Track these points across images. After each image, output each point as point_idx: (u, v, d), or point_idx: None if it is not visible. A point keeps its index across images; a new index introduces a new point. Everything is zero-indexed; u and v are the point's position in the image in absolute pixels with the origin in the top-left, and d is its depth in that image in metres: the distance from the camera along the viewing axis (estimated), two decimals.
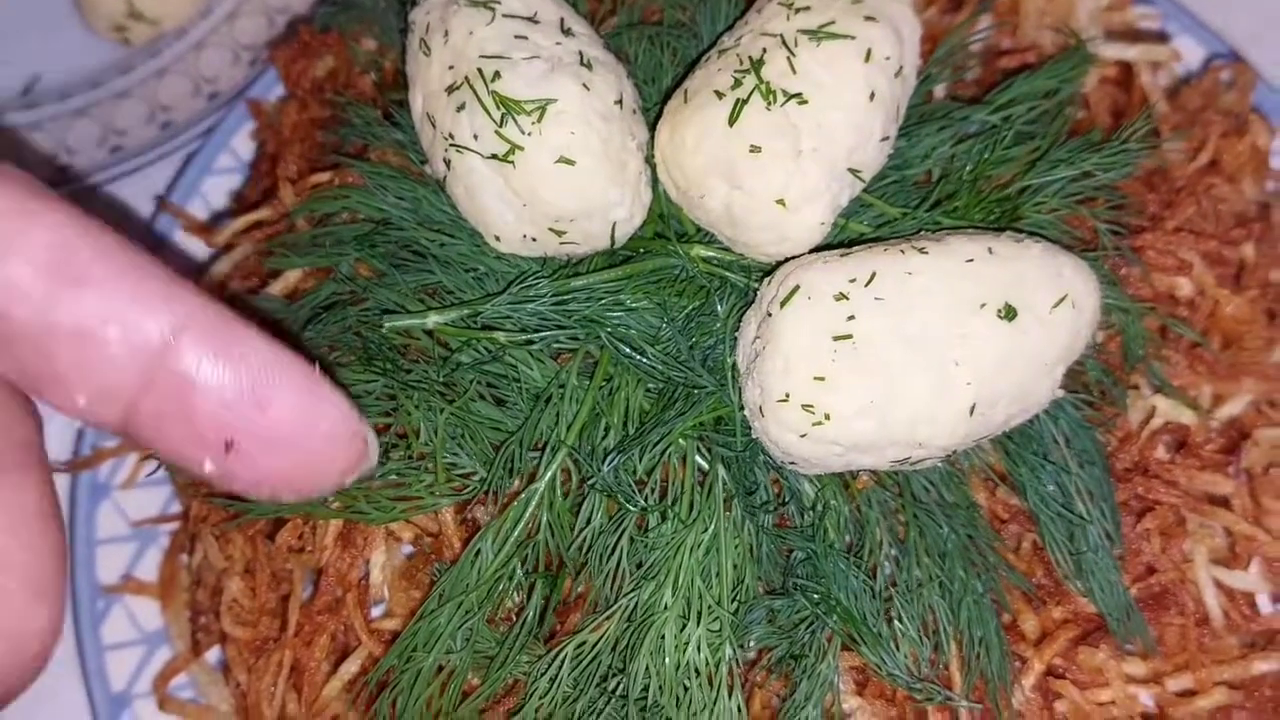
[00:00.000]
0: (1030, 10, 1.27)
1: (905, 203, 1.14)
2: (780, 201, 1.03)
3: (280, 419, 0.69)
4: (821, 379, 0.97)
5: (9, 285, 0.65)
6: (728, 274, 1.11)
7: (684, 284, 1.13)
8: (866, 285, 0.99)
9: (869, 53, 1.04)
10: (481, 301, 1.11)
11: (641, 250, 1.14)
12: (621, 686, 1.00)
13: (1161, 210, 1.18)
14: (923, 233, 1.09)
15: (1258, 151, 1.23)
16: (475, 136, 1.04)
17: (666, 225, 1.14)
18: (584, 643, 1.01)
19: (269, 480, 0.71)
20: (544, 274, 1.12)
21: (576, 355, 1.10)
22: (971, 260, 1.01)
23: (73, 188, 1.50)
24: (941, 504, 1.10)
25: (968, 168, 1.14)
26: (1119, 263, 1.16)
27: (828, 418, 0.97)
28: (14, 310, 0.66)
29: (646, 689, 1.00)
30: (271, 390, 0.69)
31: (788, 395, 0.98)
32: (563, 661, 1.00)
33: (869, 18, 1.05)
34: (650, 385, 1.11)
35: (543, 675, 1.01)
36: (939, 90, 1.24)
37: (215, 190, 1.44)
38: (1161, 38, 1.33)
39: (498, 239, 1.09)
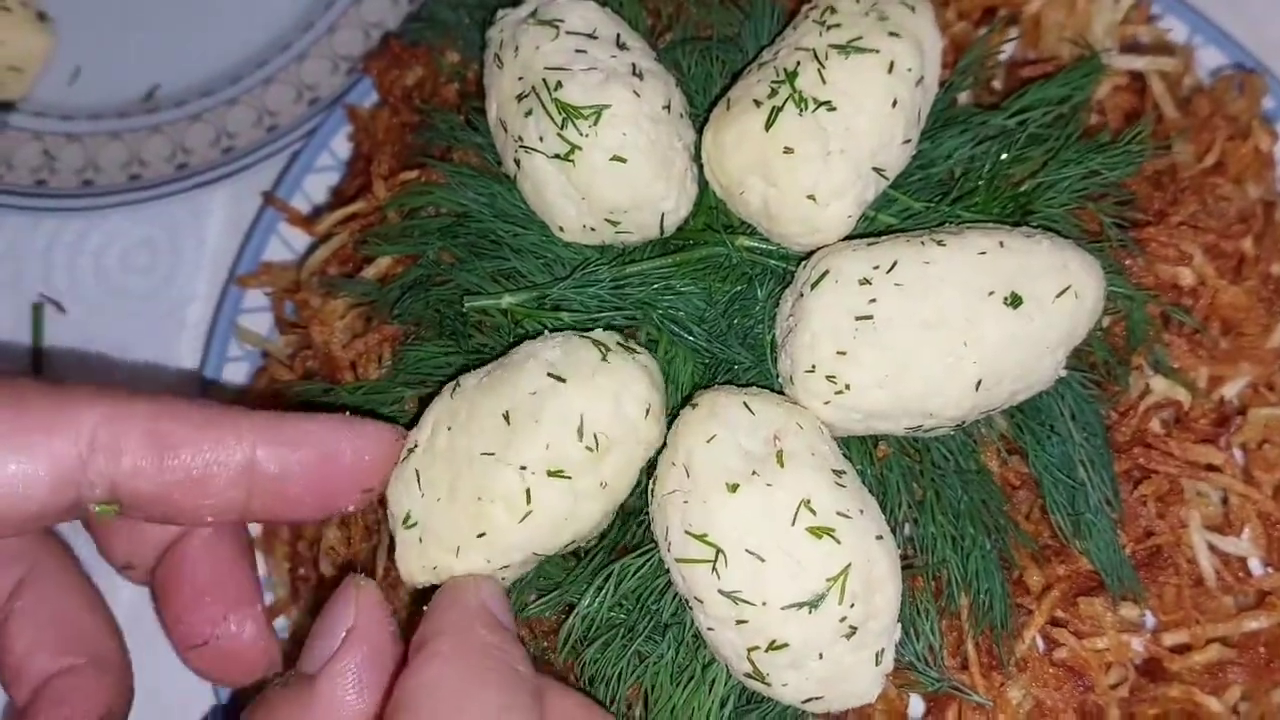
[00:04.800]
0: (1050, 25, 1.39)
1: (929, 198, 1.26)
2: (811, 197, 1.16)
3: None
4: (843, 353, 1.10)
5: (131, 474, 0.95)
6: (768, 260, 1.24)
7: (727, 271, 1.26)
8: (888, 272, 1.12)
9: (891, 65, 1.16)
10: (550, 285, 1.25)
11: (690, 240, 1.27)
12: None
13: (1166, 207, 1.29)
14: (946, 225, 1.21)
15: (1260, 154, 1.33)
16: (540, 138, 1.18)
17: (714, 218, 1.28)
18: (629, 566, 1.14)
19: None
20: (604, 261, 1.26)
21: (640, 333, 1.24)
22: (984, 253, 1.13)
23: (189, 184, 1.67)
24: (959, 470, 1.22)
25: (986, 167, 1.26)
26: (1123, 254, 1.27)
27: (848, 387, 1.10)
28: (140, 487, 0.96)
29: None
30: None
31: (814, 366, 1.11)
32: (610, 579, 1.13)
33: (893, 33, 1.17)
34: (699, 360, 1.24)
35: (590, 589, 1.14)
36: (963, 97, 1.35)
37: (316, 186, 1.59)
38: (1170, 49, 1.43)
39: (561, 229, 1.24)
